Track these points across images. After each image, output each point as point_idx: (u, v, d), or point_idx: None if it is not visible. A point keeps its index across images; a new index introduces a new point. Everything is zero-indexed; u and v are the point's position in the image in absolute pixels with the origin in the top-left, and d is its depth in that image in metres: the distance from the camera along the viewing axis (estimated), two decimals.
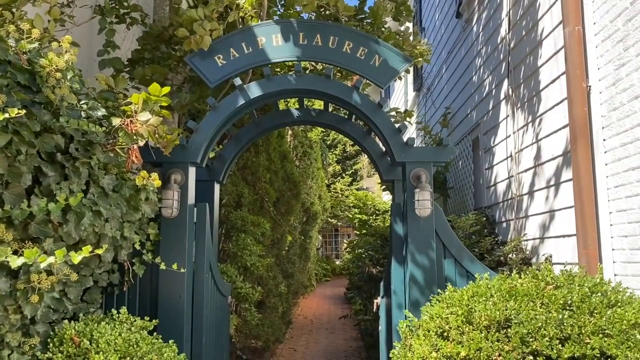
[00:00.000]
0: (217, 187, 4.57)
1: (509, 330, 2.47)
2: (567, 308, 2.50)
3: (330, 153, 23.07)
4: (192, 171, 3.68)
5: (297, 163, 11.66)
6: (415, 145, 3.76)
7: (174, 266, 3.25)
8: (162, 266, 3.26)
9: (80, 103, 2.78)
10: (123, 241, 3.07)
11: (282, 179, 8.53)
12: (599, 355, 2.27)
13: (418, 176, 3.68)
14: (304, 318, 11.37)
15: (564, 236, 4.15)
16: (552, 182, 4.40)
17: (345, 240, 20.25)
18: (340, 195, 21.46)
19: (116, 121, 2.82)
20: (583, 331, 2.35)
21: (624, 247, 3.49)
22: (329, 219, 20.21)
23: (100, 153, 2.81)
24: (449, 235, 3.73)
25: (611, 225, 3.63)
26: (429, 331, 2.76)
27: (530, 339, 2.37)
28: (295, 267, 10.97)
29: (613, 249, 3.61)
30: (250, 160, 7.05)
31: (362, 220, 10.65)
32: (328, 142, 23.08)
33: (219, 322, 4.12)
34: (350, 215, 13.12)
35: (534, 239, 4.73)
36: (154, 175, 3.04)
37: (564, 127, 4.14)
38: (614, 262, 3.59)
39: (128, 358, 2.58)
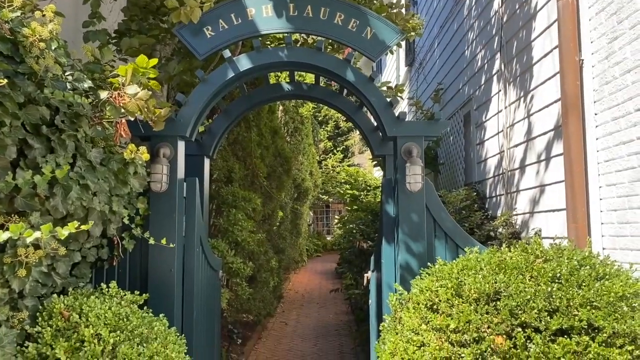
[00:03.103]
0: (207, 161, 4.53)
1: (498, 302, 2.48)
2: (556, 281, 2.52)
3: (322, 129, 23.00)
4: (181, 145, 3.63)
5: (288, 139, 11.62)
6: (406, 120, 3.73)
7: (163, 241, 3.23)
8: (151, 241, 3.24)
9: (66, 74, 2.71)
10: (112, 215, 3.03)
11: (273, 154, 8.49)
12: (586, 326, 2.29)
13: (409, 150, 3.65)
14: (295, 292, 11.46)
15: (553, 210, 4.18)
16: (542, 157, 4.41)
17: (336, 217, 20.31)
18: (331, 172, 21.49)
19: (103, 94, 2.76)
20: (571, 303, 2.37)
21: (612, 221, 3.51)
22: (320, 195, 20.27)
23: (86, 126, 2.75)
24: (440, 210, 3.73)
25: (601, 199, 3.65)
26: (418, 304, 2.77)
27: (519, 312, 2.39)
28: (286, 243, 11.02)
29: (602, 223, 3.63)
30: (240, 135, 6.99)
31: (353, 196, 10.67)
32: (319, 119, 22.98)
33: (210, 296, 4.13)
34: (342, 192, 13.14)
35: (524, 213, 4.75)
36: (143, 148, 2.99)
37: (556, 101, 4.12)
38: (602, 235, 3.62)
39: (118, 331, 2.57)
